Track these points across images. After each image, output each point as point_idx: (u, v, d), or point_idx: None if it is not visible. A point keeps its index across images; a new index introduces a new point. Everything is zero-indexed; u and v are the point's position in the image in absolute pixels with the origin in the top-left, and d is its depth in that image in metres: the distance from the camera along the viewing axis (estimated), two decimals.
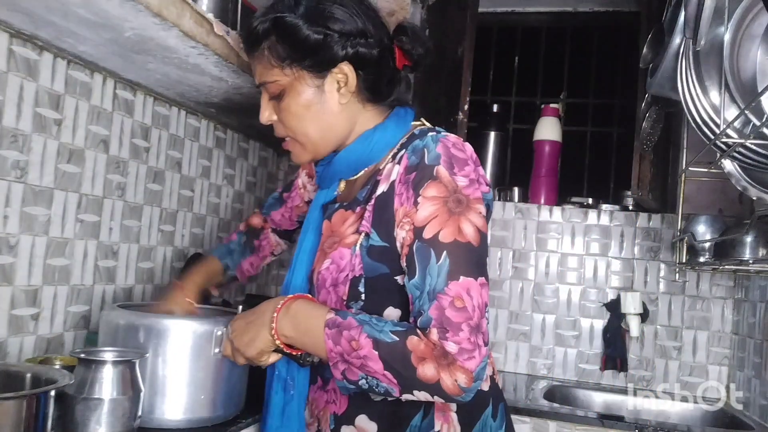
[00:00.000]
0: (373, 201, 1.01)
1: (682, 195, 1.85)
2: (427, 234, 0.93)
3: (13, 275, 1.28)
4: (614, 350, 2.21)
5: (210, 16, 1.24)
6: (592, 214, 2.31)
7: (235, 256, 1.42)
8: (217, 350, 1.11)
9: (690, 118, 1.25)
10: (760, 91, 1.06)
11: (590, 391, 2.17)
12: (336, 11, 1.03)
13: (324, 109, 1.04)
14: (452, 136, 1.00)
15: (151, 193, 1.68)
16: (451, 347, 0.89)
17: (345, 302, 1.00)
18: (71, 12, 1.11)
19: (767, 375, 1.80)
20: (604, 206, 2.33)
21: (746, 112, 1.07)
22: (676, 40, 1.36)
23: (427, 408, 1.01)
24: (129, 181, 1.59)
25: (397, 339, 0.91)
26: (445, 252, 0.92)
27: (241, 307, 1.19)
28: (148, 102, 1.65)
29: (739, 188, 1.32)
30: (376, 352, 0.91)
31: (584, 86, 2.74)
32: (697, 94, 1.21)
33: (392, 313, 1.00)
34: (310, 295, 1.05)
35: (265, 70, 1.05)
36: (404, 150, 1.00)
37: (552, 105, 2.43)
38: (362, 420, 1.01)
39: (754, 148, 1.11)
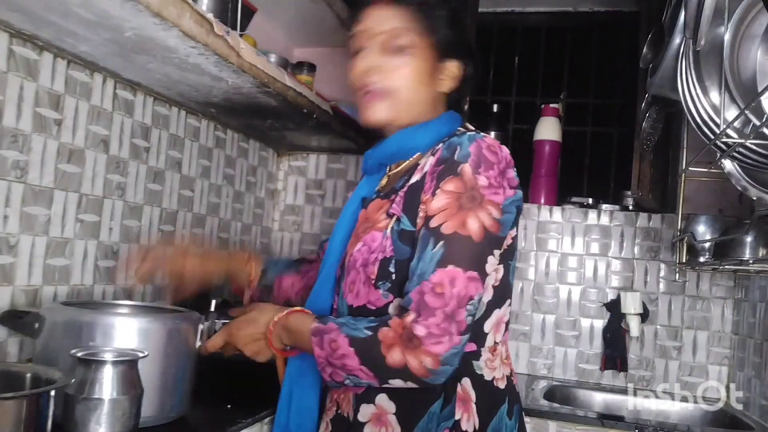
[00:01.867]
0: (405, 188, 1.06)
1: (682, 195, 1.85)
2: (433, 223, 0.98)
3: (13, 275, 1.28)
4: (614, 350, 2.21)
5: (210, 16, 1.24)
6: (592, 214, 2.31)
7: (279, 267, 1.42)
8: (199, 343, 1.16)
9: (690, 118, 1.25)
10: (760, 91, 1.05)
11: (590, 391, 2.17)
12: (467, 27, 1.18)
13: (426, 84, 1.11)
14: (490, 138, 1.04)
15: (151, 193, 1.68)
16: (419, 330, 0.93)
17: (373, 282, 1.03)
18: (71, 12, 1.11)
19: (767, 375, 1.80)
20: (604, 206, 2.33)
21: (746, 112, 1.07)
22: (676, 40, 1.35)
23: (447, 396, 1.03)
24: (129, 181, 1.59)
25: (370, 333, 0.97)
26: (442, 242, 0.96)
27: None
28: (148, 102, 1.65)
29: (739, 188, 1.32)
30: (352, 349, 0.97)
31: (584, 86, 2.74)
32: (697, 94, 1.21)
33: None
34: (305, 309, 1.10)
35: (408, 19, 1.10)
36: (441, 145, 1.06)
37: (552, 105, 2.43)
38: (382, 399, 1.04)
39: (754, 148, 1.11)
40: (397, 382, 0.97)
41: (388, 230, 1.04)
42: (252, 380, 1.37)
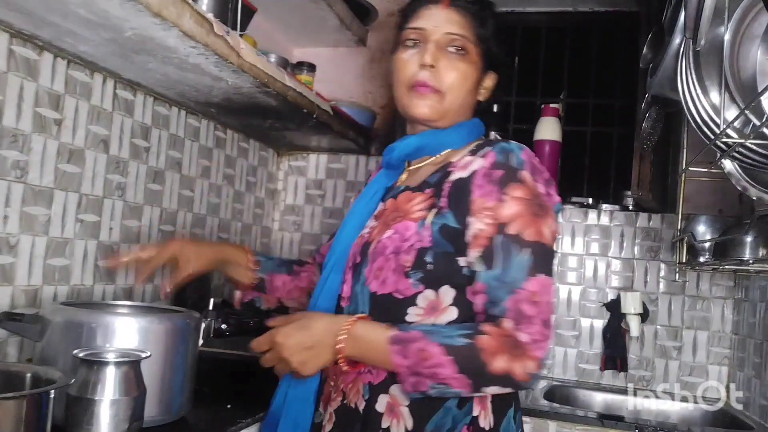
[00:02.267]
0: (449, 184, 1.06)
1: (682, 195, 1.85)
2: (511, 230, 0.99)
3: (13, 275, 1.28)
4: (614, 350, 2.21)
5: (210, 16, 1.24)
6: (592, 214, 2.31)
7: (271, 264, 1.39)
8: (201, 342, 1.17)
9: (690, 118, 1.25)
10: (760, 91, 1.05)
11: (590, 391, 2.17)
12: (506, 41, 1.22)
13: (471, 92, 1.16)
14: (529, 149, 1.08)
15: (151, 193, 1.68)
16: (523, 337, 0.95)
17: (406, 270, 1.03)
18: (71, 12, 1.11)
19: (767, 375, 1.80)
20: (604, 206, 2.33)
21: (746, 112, 1.07)
22: (676, 40, 1.35)
23: None
24: (129, 181, 1.59)
25: (469, 341, 0.96)
26: (528, 249, 0.99)
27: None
28: (148, 102, 1.65)
29: (739, 188, 1.32)
30: (449, 358, 0.95)
31: (584, 86, 2.74)
32: (697, 94, 1.21)
33: (448, 291, 1.04)
34: (367, 315, 1.07)
35: (466, 26, 1.13)
36: (488, 148, 1.07)
37: (552, 105, 2.43)
38: (396, 389, 1.04)
39: (754, 148, 1.11)
40: (493, 389, 0.98)
41: (427, 221, 1.04)
42: (252, 380, 1.37)
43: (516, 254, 0.98)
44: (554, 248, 1.03)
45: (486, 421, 1.04)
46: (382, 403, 1.04)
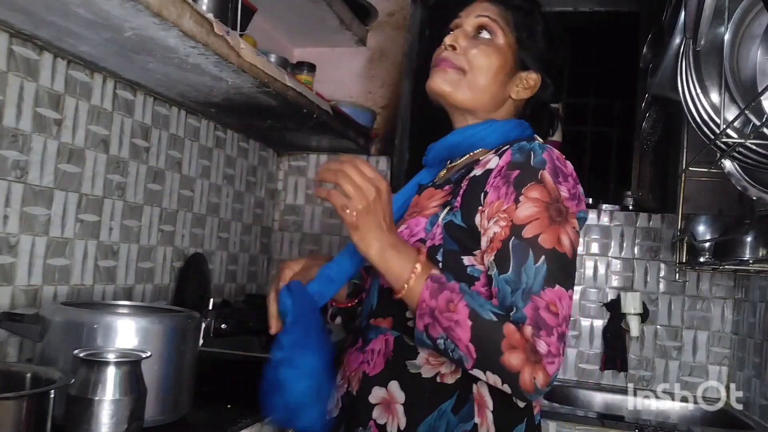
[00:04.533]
0: (466, 182, 1.04)
1: (682, 195, 1.85)
2: (527, 234, 0.94)
3: (13, 275, 1.28)
4: (614, 350, 2.21)
5: (210, 16, 1.24)
6: (592, 214, 2.31)
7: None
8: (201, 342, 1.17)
9: (690, 118, 1.25)
10: (760, 91, 1.05)
11: (590, 391, 2.16)
12: (559, 46, 1.19)
13: (498, 82, 1.11)
14: (556, 151, 1.03)
15: (151, 193, 1.68)
16: (541, 347, 0.90)
17: None
18: (71, 12, 1.11)
19: (767, 375, 1.80)
20: (604, 206, 2.32)
21: (746, 112, 1.07)
22: (676, 40, 1.35)
23: (462, 396, 1.00)
24: (129, 181, 1.59)
25: (496, 320, 0.91)
26: (543, 256, 0.93)
27: None
28: (148, 102, 1.65)
29: (739, 188, 1.32)
30: (470, 322, 0.90)
31: (584, 86, 2.74)
32: (697, 94, 1.21)
33: None
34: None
35: (499, 13, 1.12)
36: (509, 147, 1.03)
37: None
38: (394, 386, 1.02)
39: (754, 148, 1.11)
40: (493, 378, 0.92)
41: (440, 217, 1.02)
42: (252, 380, 1.37)
43: (531, 259, 0.93)
44: (574, 259, 0.96)
45: None
46: (376, 396, 1.02)
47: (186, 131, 1.81)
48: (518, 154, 1.00)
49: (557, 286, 0.93)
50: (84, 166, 1.44)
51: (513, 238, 0.95)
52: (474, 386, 0.99)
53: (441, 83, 1.11)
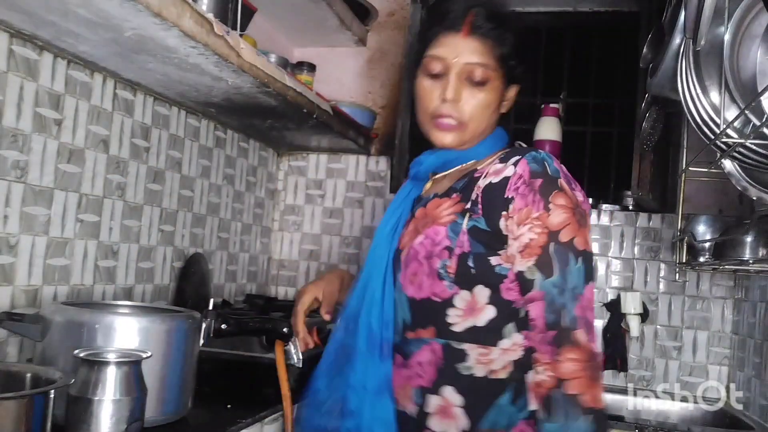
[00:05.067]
0: (479, 189, 1.09)
1: (682, 195, 1.84)
2: (563, 238, 1.03)
3: (13, 275, 1.28)
4: (614, 350, 2.21)
5: (210, 16, 1.24)
6: (592, 214, 2.31)
7: None
8: (202, 342, 1.18)
9: (690, 118, 1.25)
10: (760, 91, 1.05)
11: None
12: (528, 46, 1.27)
13: (494, 111, 1.18)
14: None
15: (151, 193, 1.68)
16: (596, 347, 1.01)
17: (438, 274, 1.06)
18: (71, 12, 1.11)
19: (767, 375, 1.80)
20: (604, 206, 2.32)
21: (746, 112, 1.07)
22: (676, 40, 1.35)
23: (518, 389, 1.06)
24: (129, 181, 1.59)
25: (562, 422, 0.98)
26: (581, 257, 1.03)
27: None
28: (148, 102, 1.65)
29: (739, 188, 1.32)
30: None
31: (584, 86, 2.74)
32: (697, 94, 1.21)
33: (482, 290, 1.07)
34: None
35: (487, 53, 1.14)
36: (518, 156, 1.09)
37: (552, 105, 2.43)
38: (448, 391, 1.07)
39: (754, 148, 1.11)
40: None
41: (463, 225, 1.07)
42: (252, 380, 1.37)
43: (572, 261, 1.02)
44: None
45: None
46: (431, 404, 1.07)
47: (186, 131, 1.81)
48: (535, 164, 1.07)
49: (591, 282, 1.04)
50: (84, 166, 1.44)
51: (552, 243, 1.02)
52: (526, 376, 1.05)
53: (446, 140, 1.16)
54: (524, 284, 1.04)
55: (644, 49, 1.56)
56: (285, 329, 1.28)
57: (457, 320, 1.07)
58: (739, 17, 1.13)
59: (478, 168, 1.14)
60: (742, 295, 2.09)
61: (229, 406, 1.26)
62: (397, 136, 2.30)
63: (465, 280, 1.06)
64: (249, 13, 1.52)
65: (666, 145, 2.12)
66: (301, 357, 1.27)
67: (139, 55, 1.32)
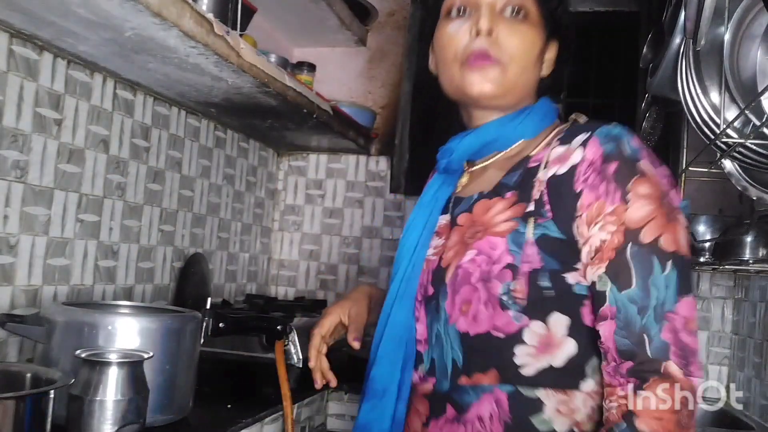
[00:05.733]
0: (542, 184, 0.86)
1: (682, 195, 1.84)
2: (646, 238, 0.80)
3: (13, 275, 1.28)
4: None
5: (210, 16, 1.24)
6: None
7: None
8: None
9: (690, 118, 1.25)
10: (760, 91, 1.05)
11: None
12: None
13: (535, 64, 0.95)
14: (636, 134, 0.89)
15: (151, 193, 1.68)
16: (697, 382, 0.76)
17: (501, 301, 0.84)
18: (71, 12, 1.11)
19: (767, 375, 1.79)
20: None
21: (746, 112, 1.07)
22: (676, 40, 1.35)
23: None
24: (129, 181, 1.59)
25: None
26: (670, 261, 0.79)
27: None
28: (148, 102, 1.65)
29: (739, 188, 1.32)
30: None
31: (584, 86, 2.74)
32: (697, 94, 1.21)
33: (560, 319, 0.84)
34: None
35: None
36: (585, 134, 0.86)
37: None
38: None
39: (754, 148, 1.11)
40: None
41: (529, 234, 0.84)
42: (252, 380, 1.38)
43: (657, 268, 0.79)
44: (690, 260, 0.83)
45: None
46: None
47: (186, 131, 1.81)
48: (609, 143, 0.83)
49: (689, 296, 0.79)
50: (84, 166, 1.44)
51: (630, 244, 0.80)
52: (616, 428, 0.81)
53: (486, 87, 0.91)
54: (596, 299, 0.82)
55: (644, 49, 1.55)
56: (279, 327, 1.28)
57: (528, 360, 0.83)
58: (739, 17, 1.13)
59: (532, 154, 0.91)
60: (742, 295, 2.09)
61: (229, 406, 1.26)
62: (397, 136, 2.30)
63: (537, 307, 0.83)
64: (249, 13, 1.52)
65: (666, 145, 2.12)
66: (301, 357, 1.26)
67: (139, 55, 1.32)
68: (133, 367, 0.97)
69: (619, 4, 2.57)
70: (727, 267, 1.77)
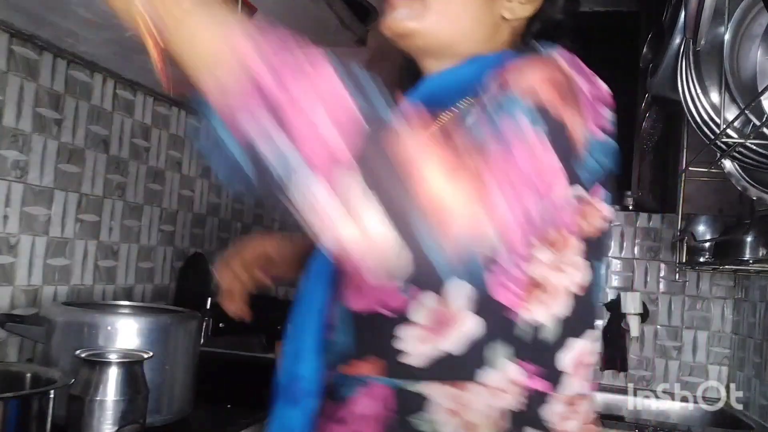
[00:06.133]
0: None
1: (682, 195, 1.85)
2: None
3: (13, 275, 1.27)
4: (614, 350, 2.21)
5: None
6: None
7: None
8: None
9: (690, 118, 1.25)
10: (760, 91, 1.05)
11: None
12: None
13: (482, 1, 0.76)
14: None
15: (151, 193, 1.68)
16: None
17: None
18: (71, 12, 1.11)
19: (767, 375, 1.80)
20: None
21: (746, 112, 1.07)
22: (676, 40, 1.35)
23: None
24: (129, 181, 1.59)
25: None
26: None
27: None
28: (148, 102, 1.65)
29: (739, 188, 1.32)
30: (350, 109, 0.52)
31: None
32: (697, 94, 1.21)
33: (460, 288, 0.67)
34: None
35: None
36: None
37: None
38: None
39: (754, 148, 1.11)
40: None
41: None
42: (252, 380, 1.37)
43: None
44: None
45: None
46: None
47: (186, 131, 1.81)
48: None
49: None
50: (84, 166, 1.44)
51: None
52: None
53: (399, 20, 0.75)
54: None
55: (644, 49, 1.56)
56: (279, 327, 1.27)
57: (416, 345, 0.66)
58: (739, 17, 1.13)
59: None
60: (742, 295, 2.09)
61: (229, 406, 1.26)
62: None
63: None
64: (249, 13, 1.52)
65: (666, 145, 2.12)
66: None
67: (139, 55, 1.32)
68: (133, 367, 0.97)
69: (619, 4, 2.57)
70: (727, 267, 1.77)
